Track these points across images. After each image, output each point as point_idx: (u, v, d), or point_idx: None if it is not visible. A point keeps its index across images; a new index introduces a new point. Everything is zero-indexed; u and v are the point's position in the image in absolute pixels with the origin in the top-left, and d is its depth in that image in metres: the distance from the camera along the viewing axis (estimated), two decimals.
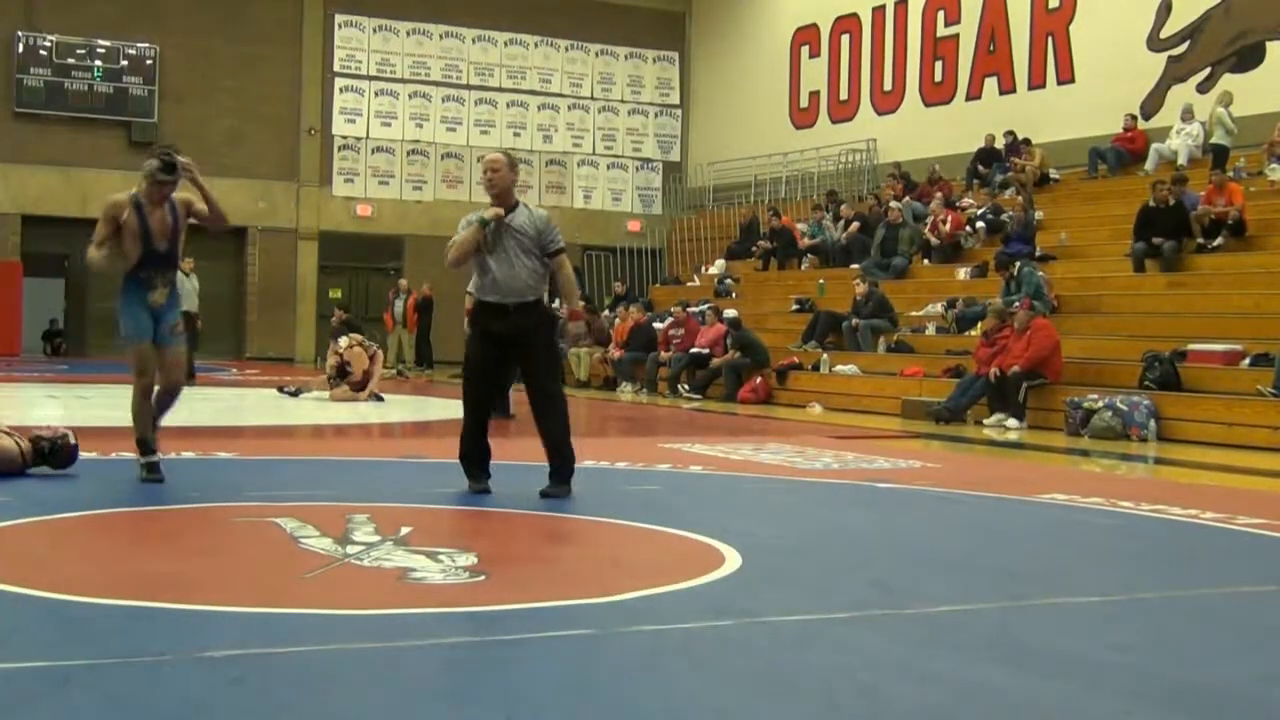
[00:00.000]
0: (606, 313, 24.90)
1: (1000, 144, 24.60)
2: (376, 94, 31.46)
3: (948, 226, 21.87)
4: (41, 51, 28.56)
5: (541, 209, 8.16)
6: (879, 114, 28.65)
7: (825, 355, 19.36)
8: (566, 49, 32.93)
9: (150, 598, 4.80)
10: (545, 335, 8.00)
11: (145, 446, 8.02)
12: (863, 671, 4.18)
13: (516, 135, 32.40)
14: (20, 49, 28.37)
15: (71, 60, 28.76)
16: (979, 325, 17.19)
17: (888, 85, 28.45)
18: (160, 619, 4.54)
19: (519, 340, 7.80)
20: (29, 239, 28.56)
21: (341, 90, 31.17)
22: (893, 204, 23.42)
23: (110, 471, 8.77)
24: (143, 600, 4.76)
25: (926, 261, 22.25)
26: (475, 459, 7.99)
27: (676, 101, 33.71)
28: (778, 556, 6.27)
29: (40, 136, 28.45)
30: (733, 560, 5.90)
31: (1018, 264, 17.98)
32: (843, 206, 25.29)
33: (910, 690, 3.97)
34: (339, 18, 31.11)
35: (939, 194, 23.39)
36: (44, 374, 22.17)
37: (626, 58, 33.53)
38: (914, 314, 20.05)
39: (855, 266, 22.46)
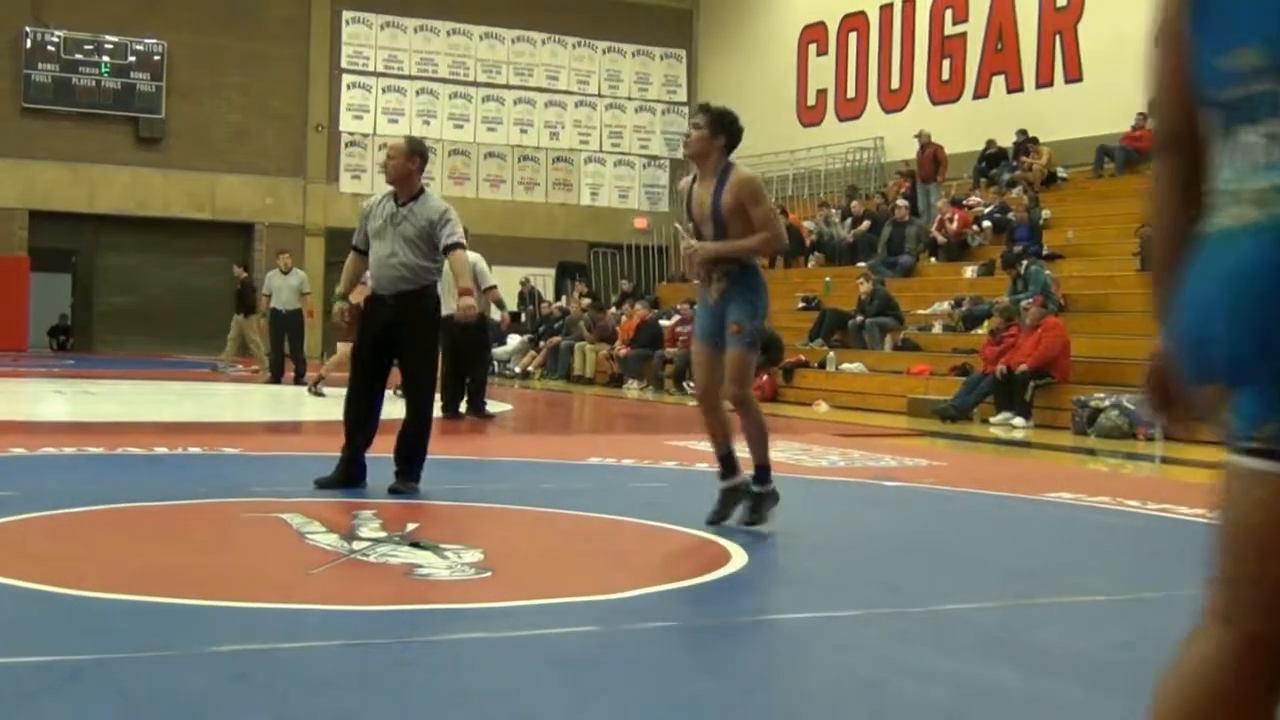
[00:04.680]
0: (613, 310, 24.90)
1: (1006, 145, 24.56)
2: (384, 91, 31.49)
3: (954, 225, 21.85)
4: (49, 47, 28.58)
5: (443, 201, 8.02)
6: (886, 112, 28.62)
7: (832, 353, 19.36)
8: (574, 46, 32.94)
9: (157, 593, 4.81)
10: (423, 330, 7.86)
11: None
12: (868, 669, 4.18)
13: (523, 132, 32.41)
14: (28, 44, 28.40)
15: (79, 56, 28.79)
16: (986, 323, 17.18)
17: (895, 83, 28.42)
18: (167, 614, 4.55)
19: (397, 331, 7.74)
20: (36, 234, 28.58)
21: (349, 87, 31.19)
22: (899, 202, 23.41)
23: (116, 467, 8.79)
24: (149, 595, 4.77)
25: (933, 260, 22.24)
26: (347, 446, 7.84)
27: (684, 99, 33.70)
28: (784, 554, 6.28)
29: (48, 132, 28.47)
30: (739, 558, 5.90)
31: (1024, 262, 17.96)
32: (853, 204, 25.29)
33: (915, 688, 3.97)
34: (346, 14, 31.13)
35: (940, 179, 23.44)
36: (50, 369, 22.21)
37: (634, 55, 33.53)
38: (921, 312, 20.04)
39: (861, 265, 22.45)
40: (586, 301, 25.58)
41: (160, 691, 3.65)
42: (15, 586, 4.87)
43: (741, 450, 6.75)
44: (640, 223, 32.98)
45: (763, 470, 6.70)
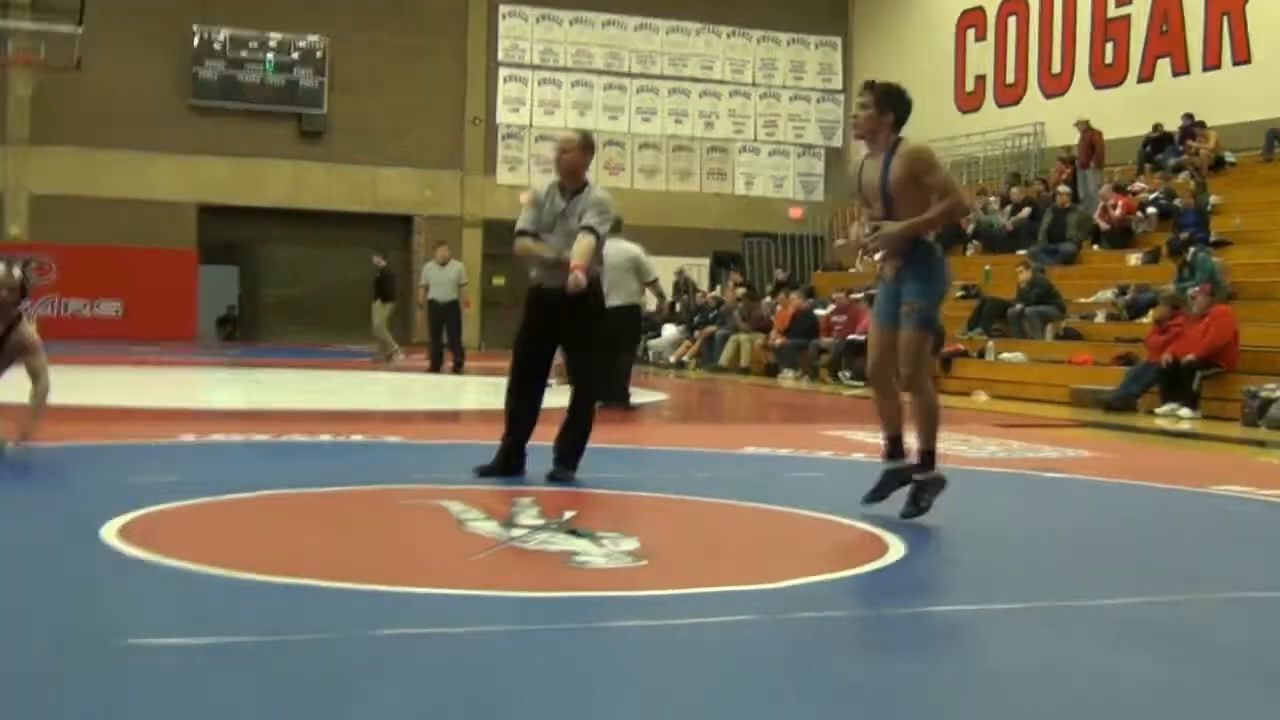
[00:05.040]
0: (768, 299, 24.81)
1: (1171, 130, 23.95)
2: (539, 83, 31.73)
3: (1118, 211, 21.38)
4: (215, 45, 29.30)
5: (604, 192, 8.02)
6: (1047, 97, 28.09)
7: (991, 342, 19.07)
8: (728, 35, 32.85)
9: (319, 577, 4.89)
10: (588, 320, 7.83)
11: None
12: (1030, 663, 4.10)
13: (678, 122, 32.43)
14: (196, 42, 29.14)
15: (244, 53, 29.48)
16: (1151, 312, 16.79)
17: (1056, 67, 27.89)
18: (329, 598, 4.64)
19: (561, 321, 7.74)
20: (205, 228, 29.33)
21: (505, 80, 31.48)
22: (1060, 188, 22.97)
23: (281, 453, 8.98)
24: (312, 579, 4.86)
25: (1096, 247, 21.79)
26: (508, 435, 7.89)
27: (839, 87, 33.42)
28: (942, 546, 6.19)
29: (214, 128, 29.18)
30: (897, 549, 5.84)
31: (1191, 249, 17.51)
32: (1012, 191, 24.89)
33: (1079, 684, 3.89)
34: (503, 8, 31.43)
35: (1100, 164, 22.95)
36: (218, 359, 22.78)
37: (789, 43, 33.34)
38: (1083, 300, 19.64)
39: (1021, 252, 22.07)
40: (741, 291, 25.52)
41: (322, 674, 3.72)
42: (183, 569, 5.00)
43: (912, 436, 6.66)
44: (795, 212, 32.79)
45: (927, 455, 6.59)
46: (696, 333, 25.02)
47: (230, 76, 29.39)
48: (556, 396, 8.01)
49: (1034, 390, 17.23)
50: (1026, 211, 23.63)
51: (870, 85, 6.75)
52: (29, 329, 8.12)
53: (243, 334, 30.47)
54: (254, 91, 29.55)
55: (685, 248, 30.17)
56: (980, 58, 29.77)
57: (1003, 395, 17.36)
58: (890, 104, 6.60)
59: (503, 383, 8.06)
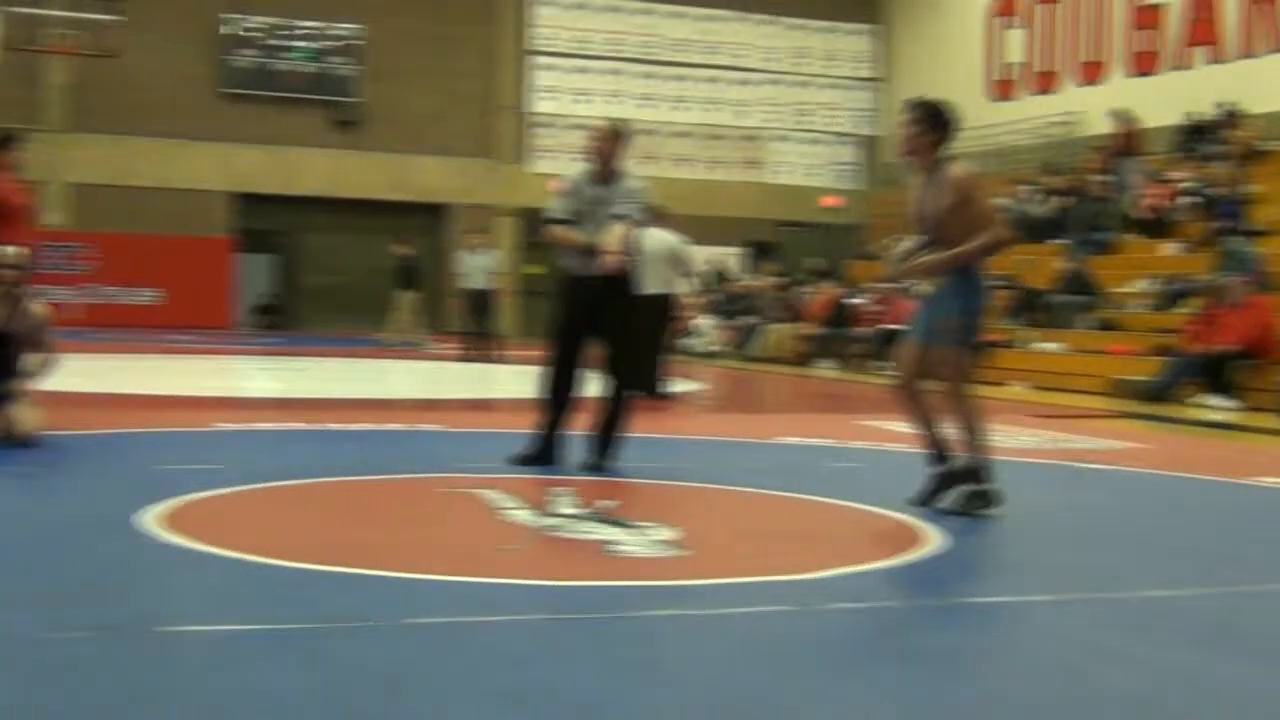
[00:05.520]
0: (802, 288, 24.74)
1: (1207, 118, 23.76)
2: (572, 71, 31.70)
3: (1154, 200, 21.23)
4: (246, 33, 29.35)
5: (639, 181, 8.00)
6: (1081, 85, 27.92)
7: (1027, 332, 18.98)
8: (760, 23, 32.76)
9: (356, 564, 4.91)
10: (625, 309, 7.85)
11: None
12: (1072, 656, 4.08)
13: (711, 111, 32.35)
14: (230, 31, 29.19)
15: (278, 42, 29.55)
16: (1188, 302, 16.66)
17: (1090, 55, 27.71)
18: (366, 585, 4.65)
19: (599, 310, 7.74)
20: (240, 216, 29.42)
21: (538, 68, 31.48)
22: (1096, 177, 22.82)
23: (319, 441, 9.01)
24: (349, 567, 4.87)
25: (1132, 237, 21.64)
26: (543, 424, 7.88)
27: (872, 75, 33.30)
28: (982, 537, 6.16)
29: (249, 116, 29.26)
30: (935, 540, 5.81)
31: (1228, 239, 17.37)
32: (1047, 180, 24.74)
33: (1116, 674, 3.86)
34: None
35: (1138, 154, 22.76)
36: (255, 346, 22.86)
37: (821, 31, 33.23)
38: (1119, 290, 19.52)
39: (1057, 242, 21.95)
40: (775, 280, 25.46)
41: (360, 661, 3.72)
42: (222, 556, 5.03)
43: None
44: (829, 201, 32.69)
45: (969, 471, 6.53)
46: (730, 321, 24.98)
47: (264, 65, 29.48)
48: (592, 385, 8.00)
49: (1069, 380, 17.12)
50: (1061, 201, 23.49)
51: (914, 104, 6.65)
52: (36, 308, 8.17)
53: (283, 322, 30.55)
54: (288, 80, 29.62)
55: (718, 236, 30.09)
56: (1013, 45, 29.61)
57: (1039, 385, 17.27)
58: (933, 123, 6.52)
59: (537, 371, 8.06)
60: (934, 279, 6.52)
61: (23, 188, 8.41)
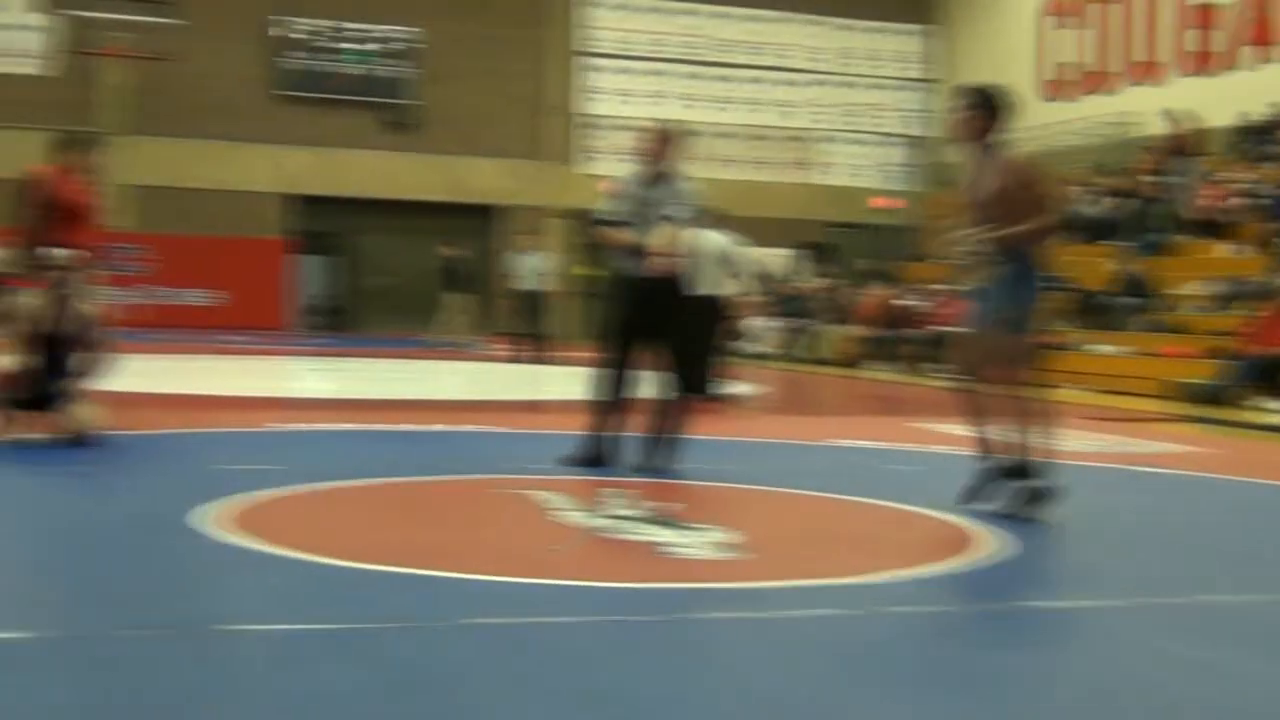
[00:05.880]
0: (852, 290, 24.65)
1: (1263, 118, 23.50)
2: (618, 73, 31.70)
3: (1209, 201, 21.03)
4: (296, 35, 29.52)
5: (688, 182, 7.99)
6: (1135, 85, 27.70)
7: (1081, 334, 18.83)
8: (805, 23, 32.65)
9: (410, 564, 4.92)
10: (680, 310, 7.82)
11: None
12: (1135, 662, 4.03)
13: (756, 111, 32.26)
14: (289, 34, 29.38)
15: (329, 44, 29.71)
16: (1244, 303, 16.48)
17: (1144, 55, 27.49)
18: (420, 585, 4.67)
19: (653, 311, 7.71)
20: (297, 218, 29.59)
21: (585, 70, 31.50)
22: (1150, 178, 22.63)
23: (373, 442, 9.04)
24: (402, 567, 4.88)
25: (1187, 238, 21.44)
26: (595, 426, 7.85)
27: (919, 75, 33.13)
28: (1040, 542, 6.10)
29: (301, 118, 29.42)
30: (994, 544, 5.76)
31: None
32: (1101, 180, 24.56)
33: (1181, 680, 3.82)
34: None
35: (1192, 154, 22.54)
36: (310, 348, 22.96)
37: (867, 31, 33.09)
38: (1173, 292, 19.34)
39: (1110, 243, 21.78)
40: (825, 282, 25.37)
41: (414, 661, 3.73)
42: (277, 555, 5.05)
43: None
44: (878, 202, 32.54)
45: (1020, 467, 6.47)
46: (781, 323, 24.90)
47: (315, 67, 29.64)
48: (645, 387, 7.98)
49: (1124, 383, 16.97)
50: (1114, 202, 23.31)
51: (966, 89, 6.67)
52: (86, 308, 8.21)
53: (341, 323, 30.66)
54: (338, 82, 29.78)
55: (767, 238, 29.94)
56: (1066, 45, 29.40)
57: (1092, 388, 17.13)
58: (986, 107, 6.51)
59: (589, 372, 8.05)
60: (988, 271, 6.46)
61: (92, 190, 8.48)
